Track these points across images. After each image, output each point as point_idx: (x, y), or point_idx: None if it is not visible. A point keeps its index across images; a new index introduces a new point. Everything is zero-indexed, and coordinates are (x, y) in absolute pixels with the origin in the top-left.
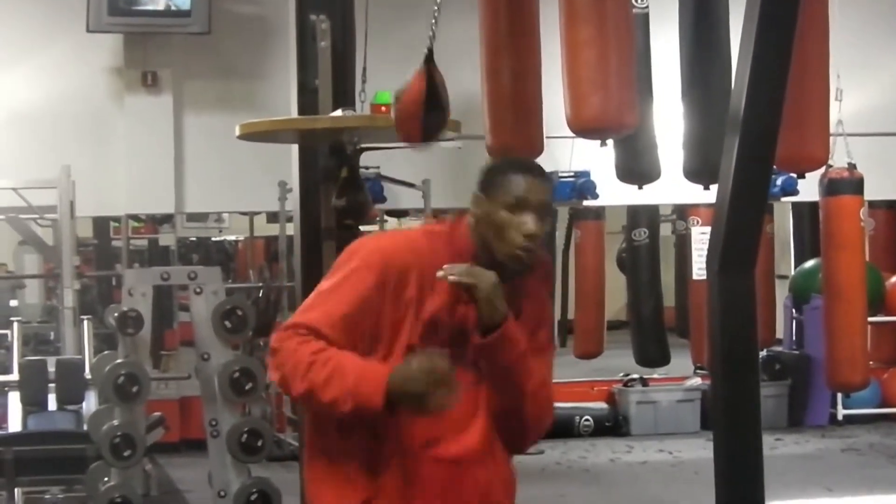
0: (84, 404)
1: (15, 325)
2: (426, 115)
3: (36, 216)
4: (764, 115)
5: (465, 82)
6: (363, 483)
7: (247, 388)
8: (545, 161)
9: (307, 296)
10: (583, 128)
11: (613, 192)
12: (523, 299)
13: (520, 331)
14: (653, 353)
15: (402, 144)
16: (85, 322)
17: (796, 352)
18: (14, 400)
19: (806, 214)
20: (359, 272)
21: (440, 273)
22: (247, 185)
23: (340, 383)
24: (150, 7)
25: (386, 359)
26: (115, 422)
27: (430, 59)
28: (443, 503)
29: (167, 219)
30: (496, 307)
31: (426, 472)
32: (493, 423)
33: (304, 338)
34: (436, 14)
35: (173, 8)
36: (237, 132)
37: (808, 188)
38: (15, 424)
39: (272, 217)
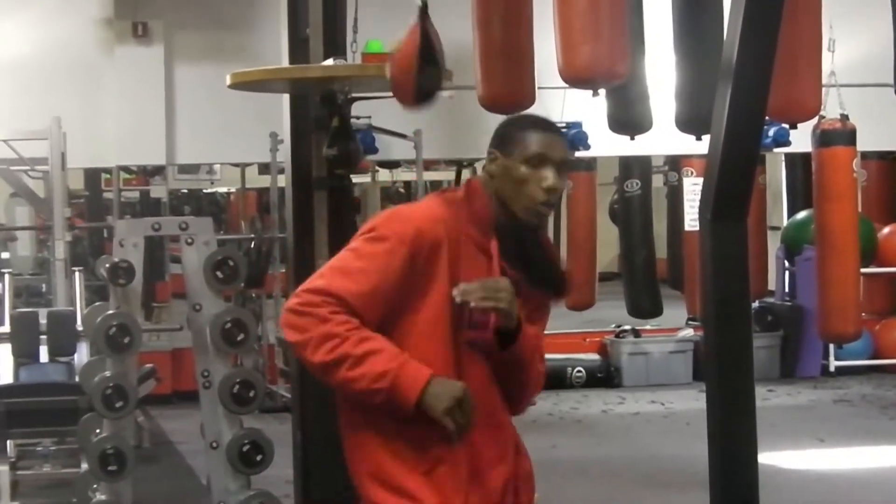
0: (76, 356)
1: (6, 276)
2: (421, 73)
3: (27, 168)
4: (756, 63)
5: (456, 32)
6: (425, 448)
7: (238, 338)
8: (536, 111)
9: (299, 246)
10: (574, 77)
11: (605, 143)
12: (555, 272)
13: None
14: (645, 305)
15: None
16: (76, 274)
17: (788, 303)
18: (5, 352)
19: (798, 165)
20: (391, 245)
21: (455, 293)
22: (238, 136)
23: (374, 366)
24: None
25: (410, 329)
26: (107, 373)
27: (424, 13)
28: (500, 462)
29: (158, 170)
30: (512, 317)
31: (479, 437)
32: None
33: (335, 308)
34: None
35: None
36: (228, 82)
37: (801, 139)
38: (6, 376)
39: (264, 168)
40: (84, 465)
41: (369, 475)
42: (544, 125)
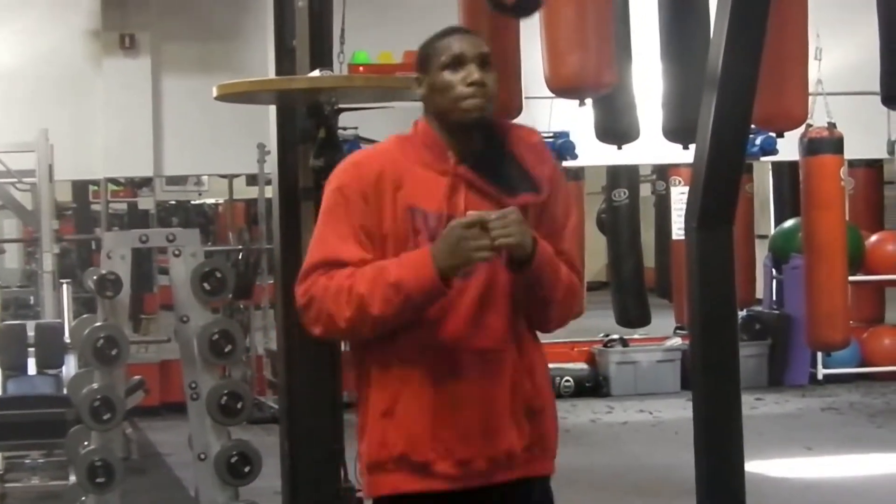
0: (63, 368)
1: None
2: None
3: (14, 180)
4: (741, 72)
5: None
6: (399, 373)
7: (226, 350)
8: (524, 121)
9: (286, 257)
10: (561, 87)
11: (593, 153)
12: (529, 170)
13: (545, 222)
14: (633, 314)
15: (379, 105)
16: (64, 286)
17: (776, 311)
18: None
19: (786, 174)
20: (340, 191)
21: (462, 220)
22: (226, 147)
23: (384, 283)
24: None
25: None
26: (95, 385)
27: None
28: (479, 388)
29: (146, 182)
30: (526, 246)
31: (461, 362)
32: (516, 312)
33: (328, 272)
34: None
35: None
36: (214, 93)
37: (788, 148)
38: None
39: (251, 179)
40: (72, 478)
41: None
42: (452, 30)
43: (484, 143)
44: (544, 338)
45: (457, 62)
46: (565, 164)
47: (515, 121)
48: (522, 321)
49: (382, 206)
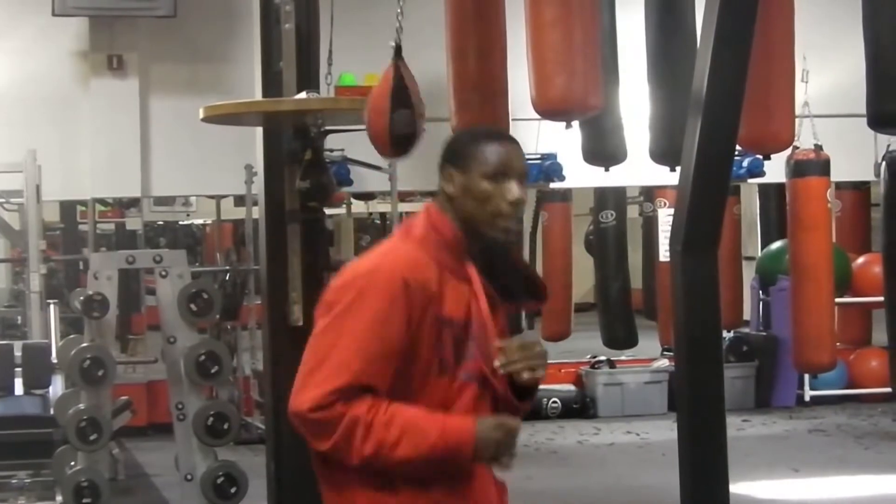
0: (50, 388)
1: None
2: (394, 113)
3: (2, 201)
4: (725, 96)
5: (431, 63)
6: (409, 490)
7: (213, 371)
8: None
9: (273, 277)
10: (548, 109)
11: (580, 175)
12: (529, 273)
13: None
14: (620, 335)
15: (365, 127)
16: (51, 306)
17: (763, 333)
18: None
19: (773, 196)
20: (383, 305)
21: (499, 364)
22: (213, 168)
23: (419, 440)
24: None
25: (411, 375)
26: (81, 406)
27: (398, 55)
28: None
29: (134, 203)
30: (542, 379)
31: (477, 479)
32: None
33: (347, 403)
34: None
35: None
36: (201, 115)
37: (775, 169)
38: None
39: (239, 200)
40: (59, 498)
41: None
42: (499, 136)
43: (495, 252)
44: None
45: (500, 175)
46: (553, 185)
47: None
48: None
49: (423, 323)
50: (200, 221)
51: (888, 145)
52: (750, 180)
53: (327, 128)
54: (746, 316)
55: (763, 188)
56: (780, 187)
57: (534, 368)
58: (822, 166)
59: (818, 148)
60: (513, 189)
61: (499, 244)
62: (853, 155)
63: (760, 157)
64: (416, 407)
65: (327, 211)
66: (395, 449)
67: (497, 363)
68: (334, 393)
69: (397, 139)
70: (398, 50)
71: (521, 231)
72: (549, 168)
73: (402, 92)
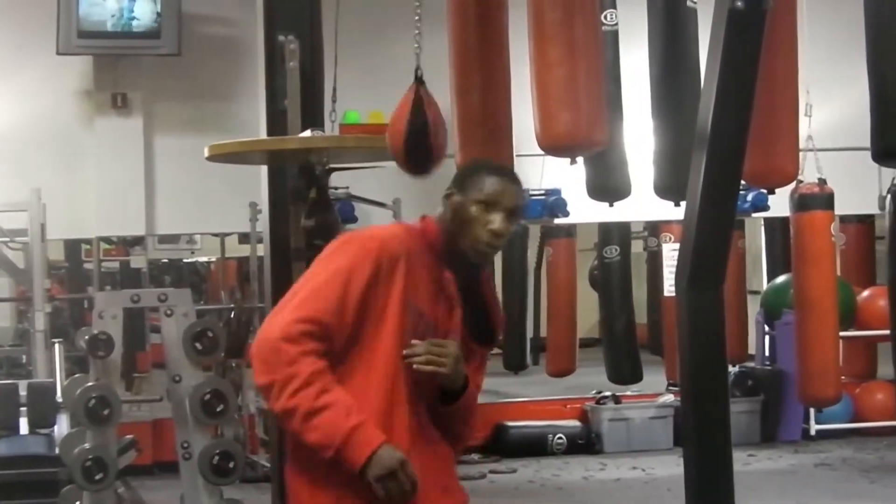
0: (56, 428)
1: None
2: (410, 139)
3: (7, 239)
4: (730, 131)
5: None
6: (336, 480)
7: (218, 409)
8: None
9: None
10: (552, 145)
11: (584, 210)
12: (490, 315)
13: (473, 355)
14: (625, 370)
15: (370, 164)
16: (56, 345)
17: (769, 367)
18: None
19: (777, 230)
20: (357, 258)
21: (406, 352)
22: (218, 206)
23: (330, 424)
24: (119, 29)
25: (372, 343)
26: (87, 445)
27: (419, 81)
28: (442, 496)
29: (138, 241)
30: (459, 377)
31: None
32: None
33: (307, 345)
34: (418, 31)
35: (143, 29)
36: (206, 153)
37: (779, 204)
38: None
39: (244, 238)
40: None
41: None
42: (501, 172)
43: (467, 270)
44: (539, 394)
45: (489, 204)
46: (557, 221)
47: None
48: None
49: (388, 289)
50: (205, 259)
51: (893, 178)
52: (754, 214)
53: (332, 165)
54: (752, 350)
55: (768, 222)
56: (784, 221)
57: (436, 364)
58: (826, 200)
59: (822, 182)
60: (496, 220)
61: (474, 264)
62: (857, 188)
63: (765, 191)
64: (351, 398)
65: None
66: (308, 418)
67: (405, 352)
68: (298, 321)
69: (415, 160)
70: (419, 77)
71: (523, 272)
72: (554, 204)
73: (419, 117)
